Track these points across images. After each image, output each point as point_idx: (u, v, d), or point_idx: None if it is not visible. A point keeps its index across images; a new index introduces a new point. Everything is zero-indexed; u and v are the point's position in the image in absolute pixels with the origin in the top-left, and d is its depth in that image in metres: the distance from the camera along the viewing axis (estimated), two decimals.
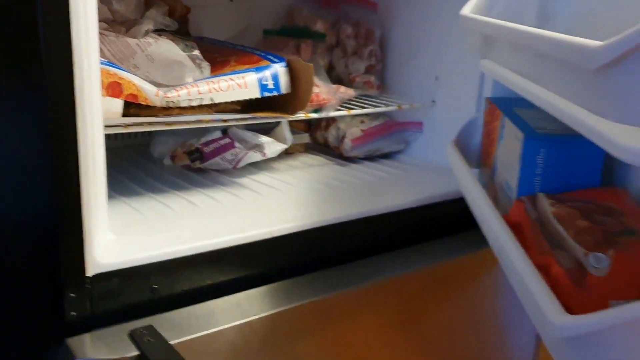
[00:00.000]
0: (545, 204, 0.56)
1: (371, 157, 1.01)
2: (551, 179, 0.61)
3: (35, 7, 0.52)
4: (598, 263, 0.45)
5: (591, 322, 0.40)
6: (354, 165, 0.97)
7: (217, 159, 0.88)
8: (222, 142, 0.88)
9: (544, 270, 0.49)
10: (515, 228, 0.57)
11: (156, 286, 0.60)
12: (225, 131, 0.89)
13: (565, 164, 0.61)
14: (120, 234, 0.64)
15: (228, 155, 0.88)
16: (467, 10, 0.71)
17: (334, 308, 0.68)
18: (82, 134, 0.56)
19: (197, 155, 0.88)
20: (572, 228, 0.50)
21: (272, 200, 0.80)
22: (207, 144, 0.88)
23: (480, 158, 0.80)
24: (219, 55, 0.88)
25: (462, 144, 0.81)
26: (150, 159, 0.93)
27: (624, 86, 0.37)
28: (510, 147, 0.66)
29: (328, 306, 0.67)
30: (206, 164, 0.88)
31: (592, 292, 0.45)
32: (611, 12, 0.65)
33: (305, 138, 1.06)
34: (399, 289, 0.74)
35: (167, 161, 0.89)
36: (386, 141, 1.01)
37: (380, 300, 0.73)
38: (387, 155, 1.03)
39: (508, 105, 0.71)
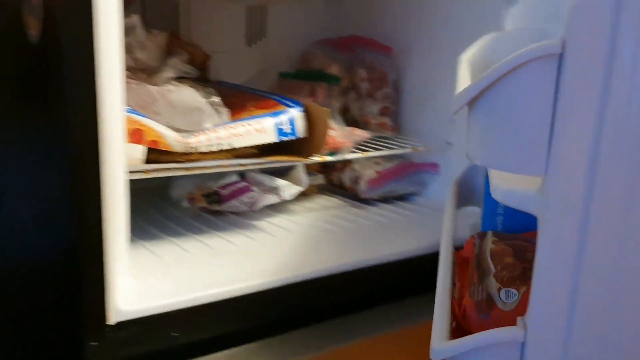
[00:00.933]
0: (488, 241, 0.59)
1: (387, 199, 1.01)
2: (511, 219, 0.64)
3: (62, 59, 0.53)
4: (508, 298, 0.49)
5: (451, 347, 0.43)
6: (369, 208, 0.98)
7: (234, 202, 0.89)
8: (239, 185, 0.89)
9: (460, 301, 0.52)
10: (464, 262, 0.61)
11: (176, 334, 0.60)
12: (242, 175, 0.90)
13: None
14: (140, 278, 0.65)
15: (245, 198, 0.89)
16: (465, 56, 0.71)
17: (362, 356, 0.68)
18: (106, 181, 0.57)
19: (214, 198, 0.89)
20: (500, 264, 0.53)
21: (288, 244, 0.80)
22: (225, 187, 0.89)
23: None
24: (237, 100, 0.89)
25: (466, 183, 0.82)
26: (168, 201, 0.94)
27: (473, 131, 0.39)
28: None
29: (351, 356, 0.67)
30: (223, 207, 0.89)
31: (495, 323, 0.47)
32: None
33: (319, 179, 1.06)
34: (411, 340, 0.74)
35: (185, 203, 0.90)
36: (401, 183, 1.01)
37: (394, 351, 0.72)
38: (402, 197, 1.03)
39: None
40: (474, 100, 0.38)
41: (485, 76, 0.36)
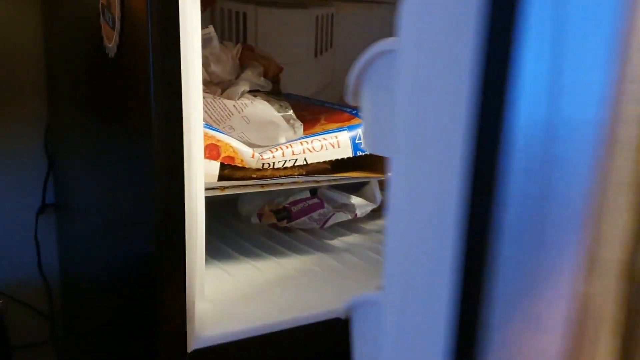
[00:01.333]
0: None
1: None
2: None
3: (148, 72, 0.51)
4: None
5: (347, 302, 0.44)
6: None
7: (304, 219, 0.85)
8: (310, 202, 0.86)
9: None
10: None
11: None
12: (314, 191, 0.87)
13: None
14: (215, 301, 0.62)
15: (315, 215, 0.85)
16: None
17: None
18: (187, 198, 0.54)
19: (284, 214, 0.85)
20: None
21: (365, 265, 0.76)
22: (295, 203, 0.86)
23: None
24: (308, 113, 0.86)
25: None
26: (235, 215, 0.91)
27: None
28: None
29: None
30: (293, 224, 0.86)
31: None
32: None
33: None
34: None
35: (254, 219, 0.87)
36: None
37: None
38: None
39: None
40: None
41: (351, 70, 0.40)
